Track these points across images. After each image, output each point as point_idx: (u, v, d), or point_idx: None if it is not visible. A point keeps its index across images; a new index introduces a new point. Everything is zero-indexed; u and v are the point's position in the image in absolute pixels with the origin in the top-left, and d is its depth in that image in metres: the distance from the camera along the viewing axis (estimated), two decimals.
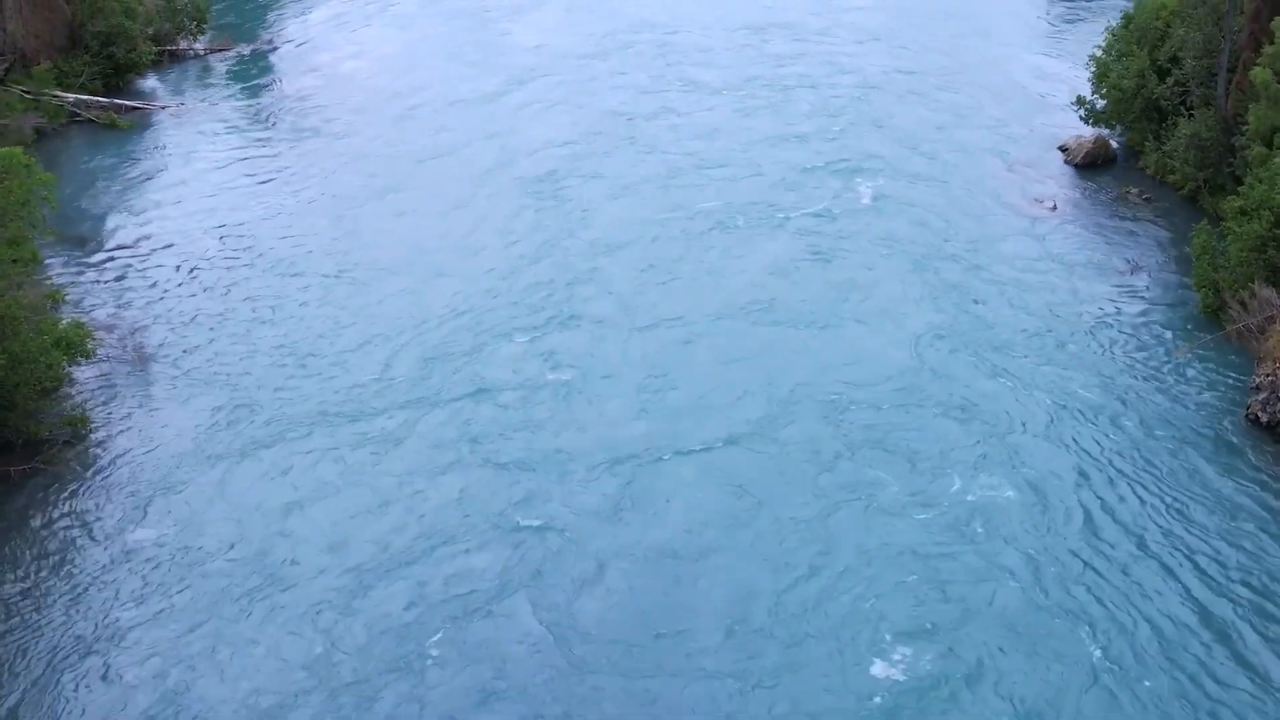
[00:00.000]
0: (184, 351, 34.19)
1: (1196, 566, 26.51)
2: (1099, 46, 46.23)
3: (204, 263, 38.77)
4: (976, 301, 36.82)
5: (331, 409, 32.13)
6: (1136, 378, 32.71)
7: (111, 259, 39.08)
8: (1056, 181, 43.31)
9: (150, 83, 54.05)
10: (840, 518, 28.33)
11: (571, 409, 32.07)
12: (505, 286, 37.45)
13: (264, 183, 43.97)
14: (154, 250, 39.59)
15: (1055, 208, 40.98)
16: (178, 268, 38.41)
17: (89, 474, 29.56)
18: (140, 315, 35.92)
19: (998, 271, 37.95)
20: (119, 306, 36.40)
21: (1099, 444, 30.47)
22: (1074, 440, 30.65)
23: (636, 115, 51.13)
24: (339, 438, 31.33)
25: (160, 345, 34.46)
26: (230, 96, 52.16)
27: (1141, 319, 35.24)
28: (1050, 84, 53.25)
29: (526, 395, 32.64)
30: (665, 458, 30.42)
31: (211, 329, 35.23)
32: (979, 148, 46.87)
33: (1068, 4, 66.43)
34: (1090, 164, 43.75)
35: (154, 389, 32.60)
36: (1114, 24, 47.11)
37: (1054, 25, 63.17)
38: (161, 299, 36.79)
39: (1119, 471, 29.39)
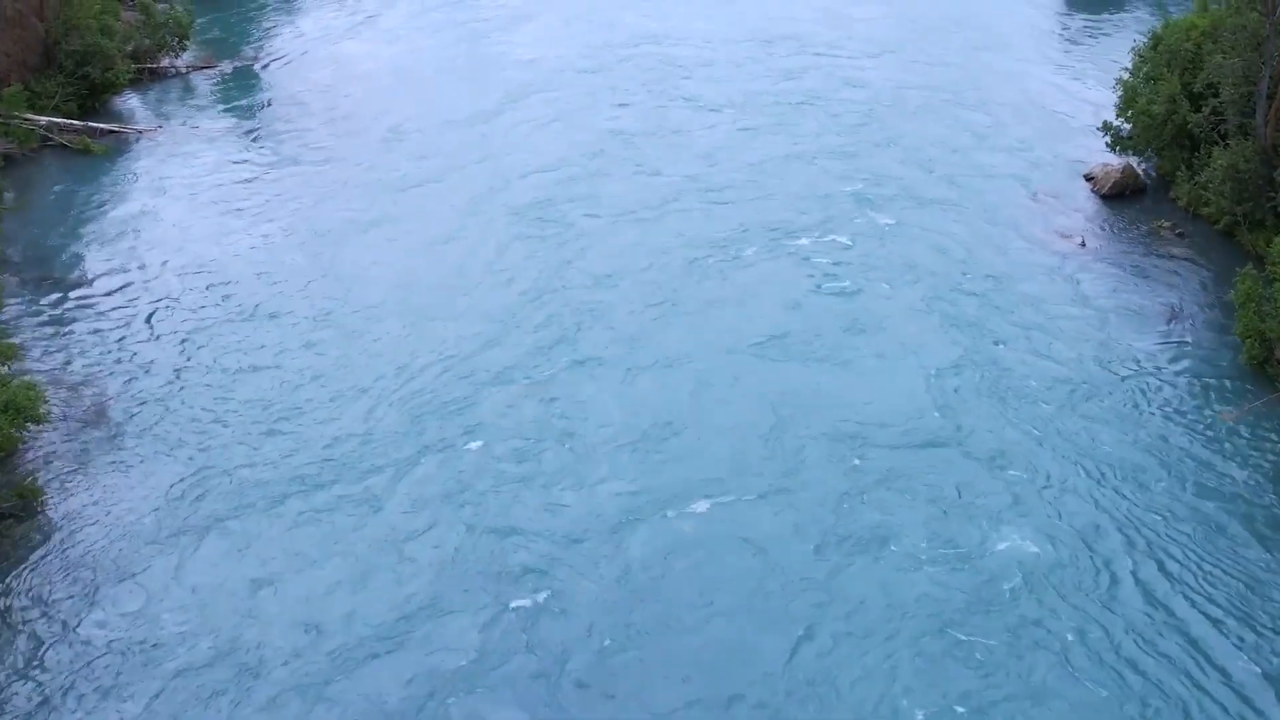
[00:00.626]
0: (148, 408, 31.73)
1: (1242, 653, 24.15)
2: (1125, 69, 43.67)
3: (173, 306, 36.31)
4: (999, 343, 34.38)
5: (308, 471, 29.73)
6: (1176, 439, 30.20)
7: (74, 302, 36.60)
8: (1083, 213, 40.76)
9: (129, 102, 51.59)
10: (857, 574, 26.24)
11: (569, 462, 29.74)
12: (498, 327, 35.02)
13: (242, 214, 41.47)
14: (121, 291, 37.12)
15: (1084, 244, 38.41)
16: (146, 314, 35.93)
17: (39, 554, 27.10)
18: (102, 367, 33.46)
19: (1023, 312, 35.46)
20: (79, 357, 33.94)
21: (1134, 508, 28.04)
22: (1107, 502, 28.23)
23: (636, 135, 48.67)
24: (315, 502, 28.95)
25: (122, 402, 31.99)
26: (210, 118, 49.67)
27: (1180, 371, 32.72)
28: (1072, 103, 50.70)
29: (521, 448, 30.29)
30: (669, 514, 28.19)
31: (179, 382, 32.79)
32: (999, 172, 44.37)
33: (1086, 15, 63.83)
34: (1118, 194, 41.18)
35: (114, 453, 30.13)
36: (1140, 42, 44.51)
37: (1073, 38, 60.57)
38: (126, 348, 34.32)
39: (1158, 541, 26.97)
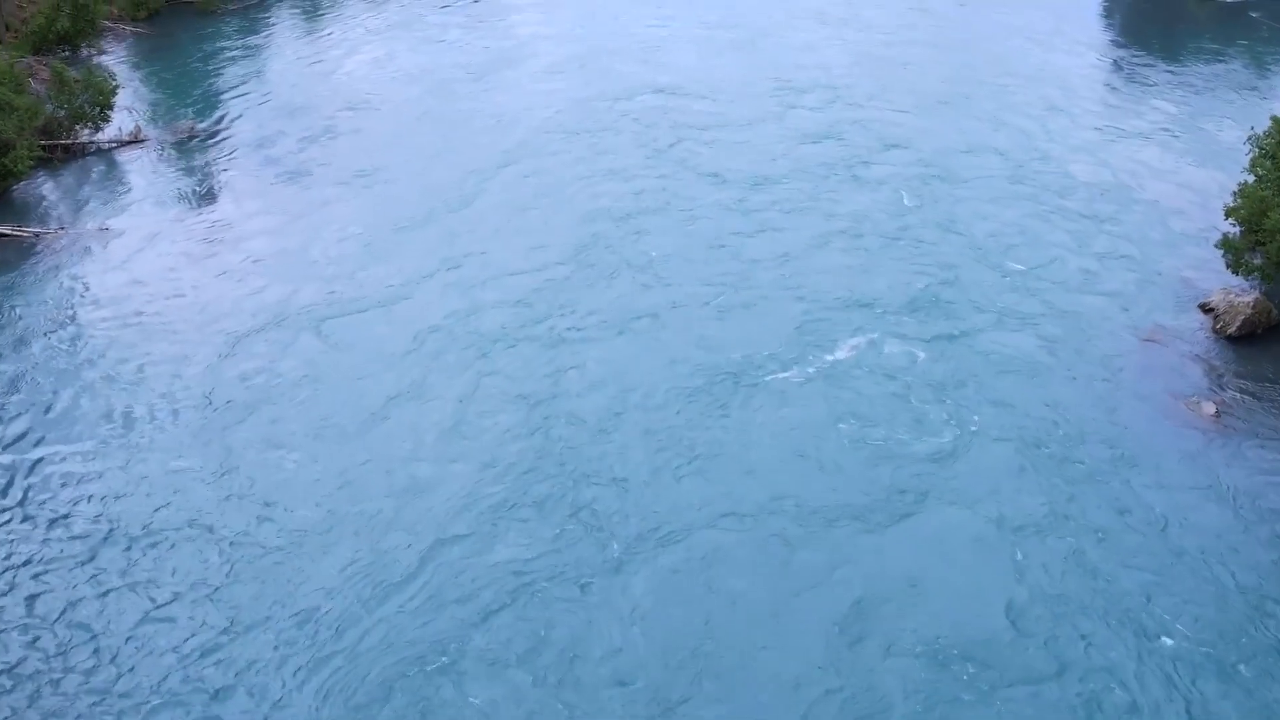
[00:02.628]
0: None
1: None
2: (1244, 169, 35.38)
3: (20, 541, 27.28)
4: (1102, 537, 26.42)
5: None
6: None
7: None
8: (1206, 362, 32.33)
9: (37, 188, 43.31)
10: None
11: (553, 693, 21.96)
12: (470, 524, 26.90)
13: (127, 377, 32.26)
14: None
15: (1217, 414, 30.07)
16: None
17: None
18: None
19: (1140, 509, 27.13)
20: None
21: None
22: None
23: (633, 218, 40.52)
24: None
25: None
26: (130, 214, 41.19)
27: None
28: (1164, 186, 42.52)
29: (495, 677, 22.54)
30: None
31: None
32: (1089, 286, 36.00)
33: (1140, 55, 55.72)
34: (1248, 334, 32.92)
35: None
36: (1258, 130, 36.12)
37: (1126, 93, 52.19)
38: None
39: None
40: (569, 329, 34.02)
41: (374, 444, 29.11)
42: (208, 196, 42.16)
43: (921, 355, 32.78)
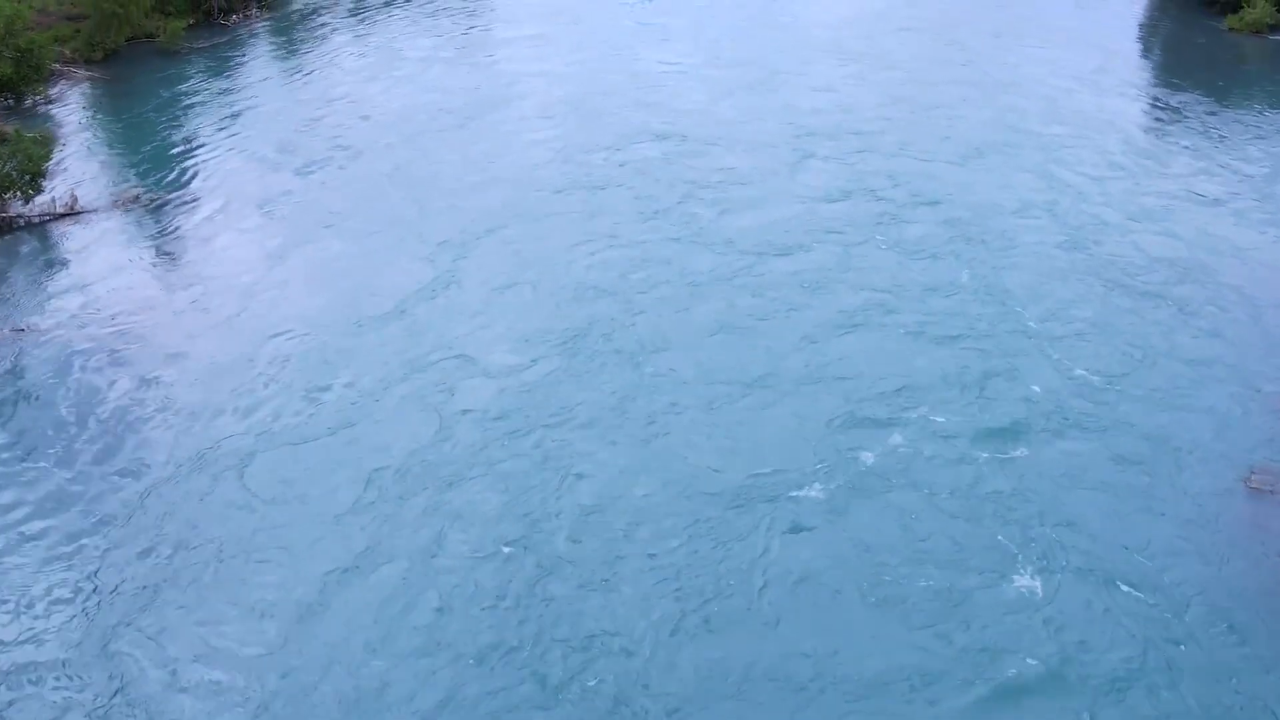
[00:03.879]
0: None
1: None
2: None
3: None
4: None
5: None
6: None
7: None
8: None
9: None
10: None
11: None
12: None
13: (45, 505, 27.43)
14: None
15: None
16: None
17: None
18: None
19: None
20: None
21: None
22: None
23: (630, 296, 35.10)
24: None
25: None
26: (48, 309, 35.58)
27: None
28: (1241, 264, 37.35)
29: None
30: None
31: None
32: (1175, 400, 30.27)
33: (1189, 112, 50.00)
34: None
35: None
36: None
37: (1189, 146, 46.75)
38: None
39: None
40: (555, 446, 28.50)
41: (311, 644, 23.39)
42: (139, 289, 36.30)
43: (976, 468, 27.39)
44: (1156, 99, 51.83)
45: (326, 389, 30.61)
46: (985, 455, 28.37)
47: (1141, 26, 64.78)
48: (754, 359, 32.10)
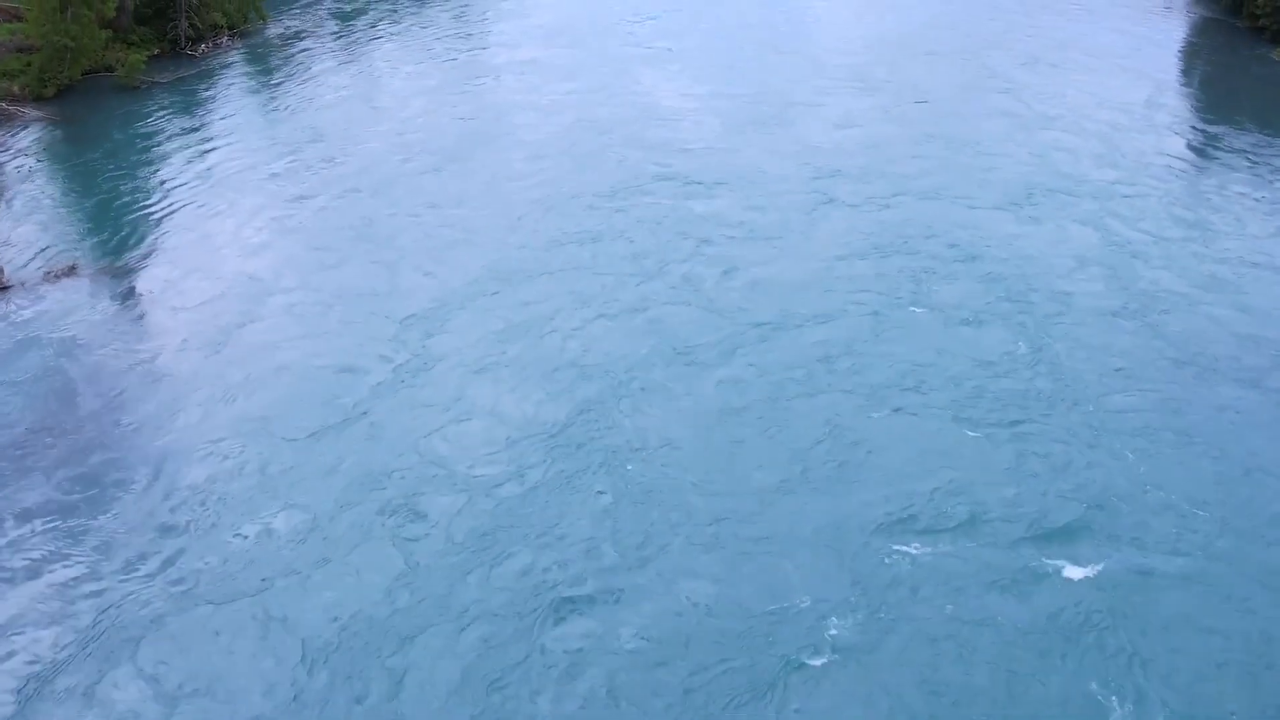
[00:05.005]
0: None
1: None
2: None
3: None
4: None
5: None
6: None
7: None
8: None
9: None
10: None
11: None
12: None
13: None
14: None
15: None
16: None
17: None
18: None
19: None
20: None
21: None
22: None
23: (626, 379, 30.41)
24: None
25: None
26: None
27: None
28: None
29: None
30: None
31: None
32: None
33: (1255, 158, 44.96)
34: None
35: None
36: None
37: (1261, 201, 41.31)
38: None
39: None
40: (536, 585, 23.48)
41: None
42: (46, 392, 30.89)
43: (1040, 591, 22.57)
44: (1218, 140, 46.53)
45: (261, 526, 25.37)
46: (1050, 575, 23.54)
47: (1187, 54, 59.60)
48: (768, 457, 27.36)
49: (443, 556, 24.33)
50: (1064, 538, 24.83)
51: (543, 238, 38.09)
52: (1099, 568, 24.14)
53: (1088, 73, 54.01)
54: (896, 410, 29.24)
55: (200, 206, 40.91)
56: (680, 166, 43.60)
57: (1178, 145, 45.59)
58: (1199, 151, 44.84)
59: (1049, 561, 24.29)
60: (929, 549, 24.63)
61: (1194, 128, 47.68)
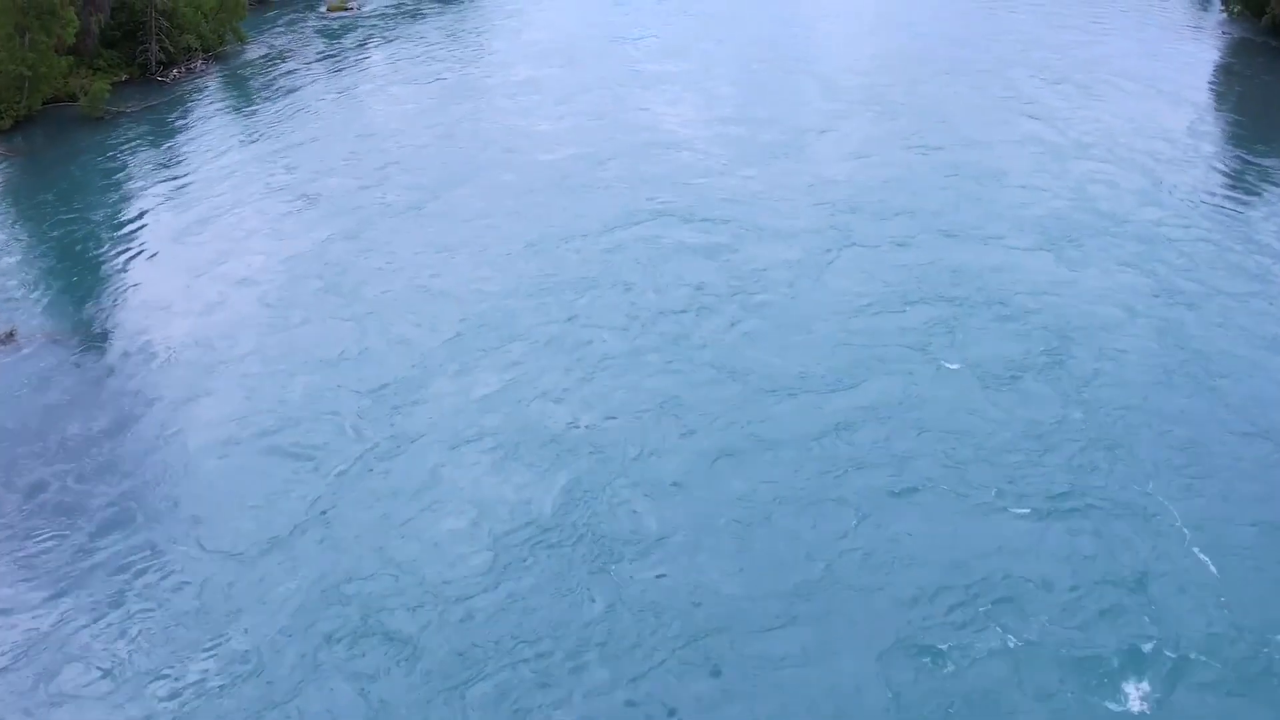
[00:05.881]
0: None
1: None
2: None
3: None
4: None
5: None
6: None
7: None
8: None
9: None
10: None
11: None
12: None
13: None
14: None
15: None
16: None
17: None
18: None
19: None
20: None
21: None
22: None
23: (615, 467, 26.82)
24: None
25: None
26: None
27: None
28: None
29: None
30: None
31: None
32: None
33: None
34: None
35: None
36: None
37: None
38: None
39: None
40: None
41: None
42: None
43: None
44: (1272, 175, 42.63)
45: (191, 669, 21.48)
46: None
47: (1226, 76, 55.82)
48: (783, 553, 23.69)
49: (407, 693, 20.66)
50: (1124, 668, 21.12)
51: (530, 286, 34.52)
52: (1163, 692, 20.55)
53: (1121, 95, 50.33)
54: (929, 489, 25.64)
55: (157, 256, 37.34)
56: (683, 203, 40.02)
57: (1227, 180, 41.83)
58: (1252, 189, 41.05)
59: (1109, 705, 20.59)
60: (965, 659, 21.06)
61: (1244, 160, 43.88)
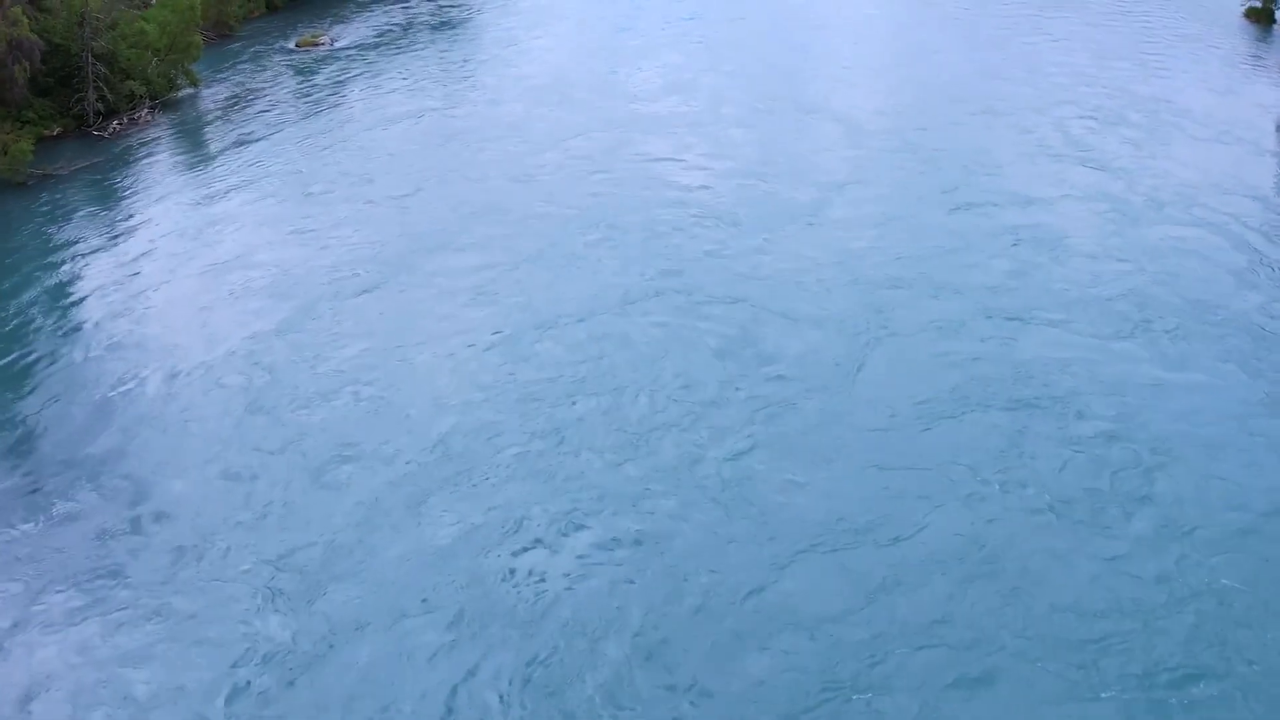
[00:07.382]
0: None
1: None
2: None
3: None
4: None
5: None
6: None
7: None
8: None
9: None
10: None
11: None
12: None
13: None
14: None
15: None
16: None
17: None
18: None
19: None
20: None
21: None
22: None
23: (611, 593, 20.54)
24: None
25: None
26: None
27: None
28: None
29: None
30: None
31: None
32: None
33: None
34: None
35: None
36: None
37: None
38: None
39: None
40: None
41: None
42: None
43: None
44: None
45: None
46: None
47: None
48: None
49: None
50: None
51: (503, 395, 28.33)
52: None
53: (1191, 142, 43.84)
54: (1002, 679, 19.51)
55: (57, 364, 31.16)
56: (687, 280, 33.92)
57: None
58: None
59: None
60: None
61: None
